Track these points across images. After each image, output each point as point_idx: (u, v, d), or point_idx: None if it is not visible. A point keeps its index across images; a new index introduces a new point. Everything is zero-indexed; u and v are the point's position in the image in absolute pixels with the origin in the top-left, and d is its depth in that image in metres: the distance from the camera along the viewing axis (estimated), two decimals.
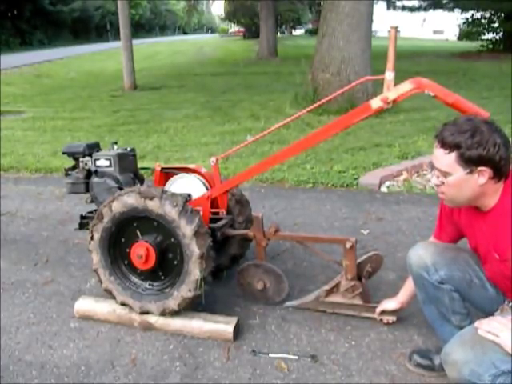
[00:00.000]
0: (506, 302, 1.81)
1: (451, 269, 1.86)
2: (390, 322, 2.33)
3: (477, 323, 1.55)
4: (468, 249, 1.92)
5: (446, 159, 1.58)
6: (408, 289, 2.20)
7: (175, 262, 2.27)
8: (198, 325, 2.31)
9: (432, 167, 1.67)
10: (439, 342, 2.01)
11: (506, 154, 1.54)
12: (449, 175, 1.60)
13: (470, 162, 1.54)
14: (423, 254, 1.91)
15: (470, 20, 23.61)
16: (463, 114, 1.81)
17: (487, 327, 1.51)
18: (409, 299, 2.23)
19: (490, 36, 22.37)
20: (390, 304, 2.29)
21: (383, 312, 2.35)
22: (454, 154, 1.56)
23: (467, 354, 1.48)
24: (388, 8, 27.84)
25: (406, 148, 5.40)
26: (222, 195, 2.48)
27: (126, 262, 2.37)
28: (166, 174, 2.73)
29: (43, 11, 39.99)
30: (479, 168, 1.55)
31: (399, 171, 4.69)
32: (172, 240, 2.23)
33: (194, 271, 2.17)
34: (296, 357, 2.16)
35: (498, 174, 1.57)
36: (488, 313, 1.80)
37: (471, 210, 1.74)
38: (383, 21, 21.34)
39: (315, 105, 2.37)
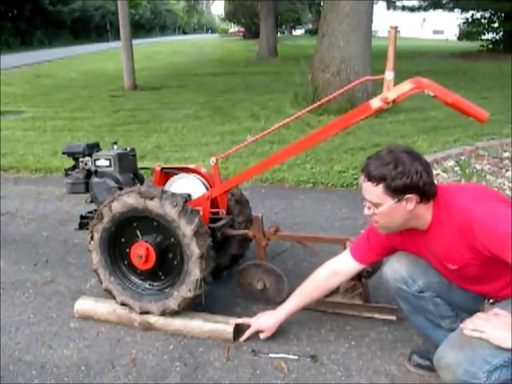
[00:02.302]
0: (485, 301, 1.83)
1: (428, 276, 1.87)
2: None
3: (462, 324, 1.59)
4: None
5: (374, 191, 1.66)
6: (293, 302, 2.15)
7: (175, 262, 2.27)
8: (198, 325, 2.31)
9: (363, 199, 1.74)
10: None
11: (428, 178, 1.63)
12: (379, 205, 1.68)
13: (397, 192, 1.63)
14: (397, 266, 1.92)
15: (470, 20, 23.63)
16: (463, 114, 1.82)
17: (472, 326, 1.53)
18: (290, 314, 2.19)
19: (490, 36, 22.38)
20: (265, 322, 2.21)
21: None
22: (381, 186, 1.64)
23: (458, 355, 1.51)
24: (388, 8, 27.88)
25: None
26: (222, 195, 2.47)
27: (125, 262, 2.36)
28: (166, 174, 2.73)
29: (43, 11, 40.00)
30: (406, 196, 1.63)
31: None
32: (172, 240, 2.23)
33: (194, 271, 2.17)
34: (296, 357, 2.16)
35: (425, 197, 1.66)
36: (473, 313, 1.82)
37: (412, 232, 1.78)
38: (383, 21, 21.33)
39: (315, 105, 2.36)
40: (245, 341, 2.25)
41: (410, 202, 1.64)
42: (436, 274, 1.86)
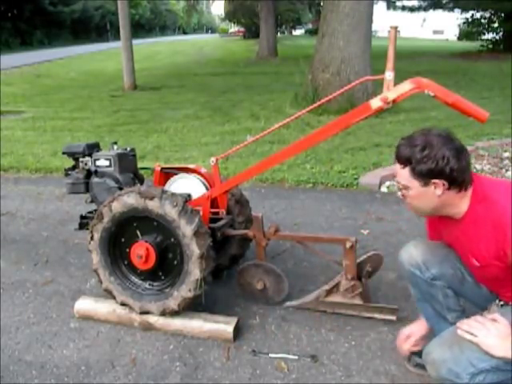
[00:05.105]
0: (496, 302, 1.82)
1: (442, 266, 1.87)
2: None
3: (458, 323, 1.58)
4: None
5: (402, 173, 1.64)
6: None
7: (175, 262, 2.27)
8: (198, 325, 2.31)
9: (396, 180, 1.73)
10: None
11: (457, 165, 1.56)
12: (408, 188, 1.65)
13: (422, 176, 1.59)
14: (414, 252, 1.92)
15: (469, 20, 23.62)
16: (463, 114, 1.82)
17: (466, 327, 1.53)
18: None
19: (490, 36, 22.38)
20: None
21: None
22: (407, 169, 1.62)
23: (445, 353, 1.52)
24: (388, 8, 27.85)
25: None
26: (221, 195, 2.47)
27: (125, 262, 2.37)
28: (166, 174, 2.73)
29: (43, 11, 40.00)
30: (432, 180, 1.59)
31: None
32: (172, 240, 2.23)
33: (194, 271, 2.17)
34: (296, 357, 2.16)
35: (454, 184, 1.59)
36: (484, 309, 1.82)
37: (447, 219, 1.76)
38: (383, 21, 21.32)
39: (315, 105, 2.36)
40: None
41: (438, 188, 1.59)
42: (451, 267, 1.87)
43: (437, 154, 1.55)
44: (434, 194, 1.61)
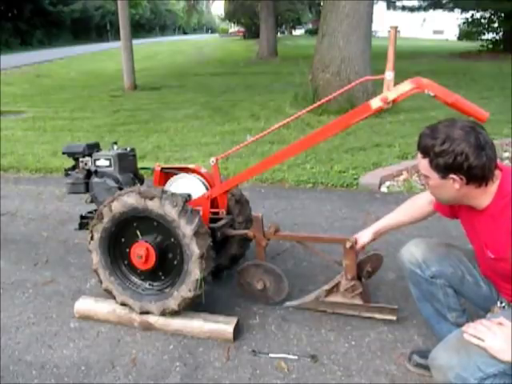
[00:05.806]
0: (498, 303, 1.82)
1: (442, 265, 1.88)
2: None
3: (464, 327, 1.56)
4: (462, 246, 1.94)
5: (422, 163, 1.64)
6: (390, 218, 2.22)
7: (175, 262, 2.27)
8: (198, 325, 2.31)
9: None
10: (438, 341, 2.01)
11: (476, 161, 1.52)
12: (428, 178, 1.65)
13: (440, 169, 1.58)
14: (414, 250, 1.94)
15: (469, 20, 23.61)
16: (463, 114, 1.82)
17: (473, 331, 1.51)
18: (385, 229, 2.25)
19: (490, 36, 22.37)
20: (364, 236, 2.28)
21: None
22: (426, 160, 1.61)
23: (452, 358, 1.50)
24: (388, 8, 27.81)
25: (406, 148, 5.40)
26: (221, 195, 2.48)
27: (125, 262, 2.37)
28: (166, 174, 2.73)
29: (43, 11, 40.01)
30: (450, 175, 1.57)
31: (399, 171, 4.69)
32: (172, 240, 2.23)
33: (194, 271, 2.17)
34: (296, 357, 2.16)
35: (473, 180, 1.56)
36: (484, 309, 1.82)
37: (468, 207, 1.74)
38: (383, 21, 21.33)
39: (315, 105, 2.36)
40: None
41: (456, 182, 1.58)
42: (451, 265, 1.88)
43: (455, 149, 1.51)
44: (453, 187, 1.60)
